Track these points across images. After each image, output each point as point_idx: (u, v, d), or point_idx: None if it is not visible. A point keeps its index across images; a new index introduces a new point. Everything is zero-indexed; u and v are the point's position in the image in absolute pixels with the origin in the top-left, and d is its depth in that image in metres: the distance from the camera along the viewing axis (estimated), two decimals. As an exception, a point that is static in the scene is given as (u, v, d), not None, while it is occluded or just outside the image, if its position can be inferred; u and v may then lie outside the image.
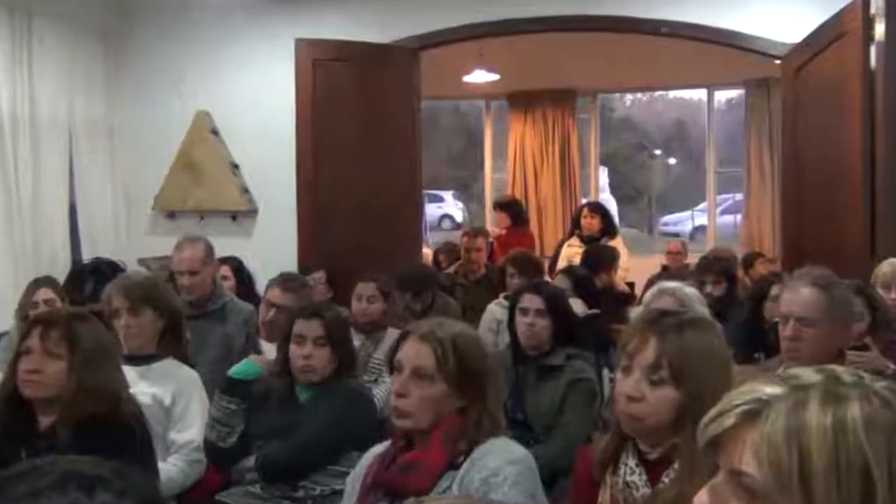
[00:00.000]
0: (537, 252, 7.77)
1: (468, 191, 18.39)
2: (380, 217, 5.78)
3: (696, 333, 1.86)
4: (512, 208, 7.64)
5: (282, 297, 3.83)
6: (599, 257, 5.85)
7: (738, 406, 1.01)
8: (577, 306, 4.53)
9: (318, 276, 5.23)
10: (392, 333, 4.27)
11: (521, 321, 3.60)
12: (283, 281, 3.93)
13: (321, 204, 5.79)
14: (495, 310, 4.87)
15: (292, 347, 3.01)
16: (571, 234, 7.02)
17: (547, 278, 5.37)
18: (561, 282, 4.91)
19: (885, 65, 4.39)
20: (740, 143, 10.04)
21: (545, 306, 3.57)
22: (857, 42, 4.54)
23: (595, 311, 4.74)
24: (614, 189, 16.71)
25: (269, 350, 3.59)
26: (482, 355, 2.11)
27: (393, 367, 2.11)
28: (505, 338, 3.94)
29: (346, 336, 3.09)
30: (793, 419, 0.97)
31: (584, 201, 9.13)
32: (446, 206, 18.67)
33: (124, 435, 2.42)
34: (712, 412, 1.03)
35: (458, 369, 2.04)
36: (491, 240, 6.87)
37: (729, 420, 1.01)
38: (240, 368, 3.06)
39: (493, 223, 7.80)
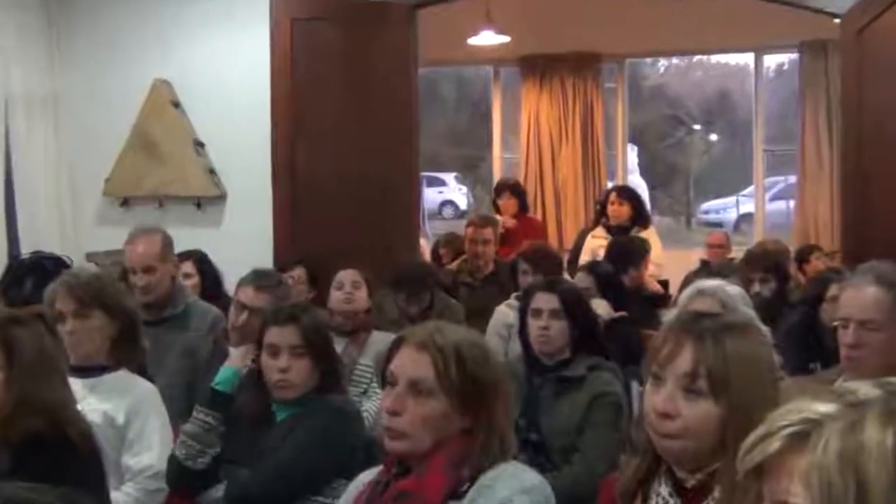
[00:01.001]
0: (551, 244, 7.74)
1: (474, 173, 18.37)
2: (370, 204, 5.78)
3: (738, 339, 1.86)
4: (521, 191, 7.61)
5: (255, 298, 3.84)
6: (628, 251, 5.86)
7: (784, 428, 1.01)
8: (602, 308, 4.54)
9: (298, 273, 5.24)
10: (379, 337, 4.31)
11: (534, 324, 3.61)
12: (257, 279, 3.93)
13: (301, 189, 5.79)
14: (506, 312, 4.87)
15: (265, 359, 3.01)
16: (595, 224, 7.04)
17: (566, 276, 5.37)
18: (582, 279, 4.92)
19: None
20: (793, 117, 10.03)
21: (561, 307, 3.59)
22: (930, -3, 4.53)
23: (622, 313, 4.75)
24: (645, 171, 16.71)
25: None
26: (490, 365, 2.12)
27: (385, 379, 2.12)
28: (517, 345, 3.95)
29: (328, 343, 3.10)
30: (848, 442, 0.98)
31: (610, 185, 9.12)
32: (448, 191, 18.66)
33: (71, 458, 2.42)
34: (755, 435, 1.03)
35: (462, 382, 2.05)
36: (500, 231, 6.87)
37: (774, 444, 1.01)
38: (222, 377, 3.08)
39: (498, 211, 7.67)
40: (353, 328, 4.37)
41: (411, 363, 2.07)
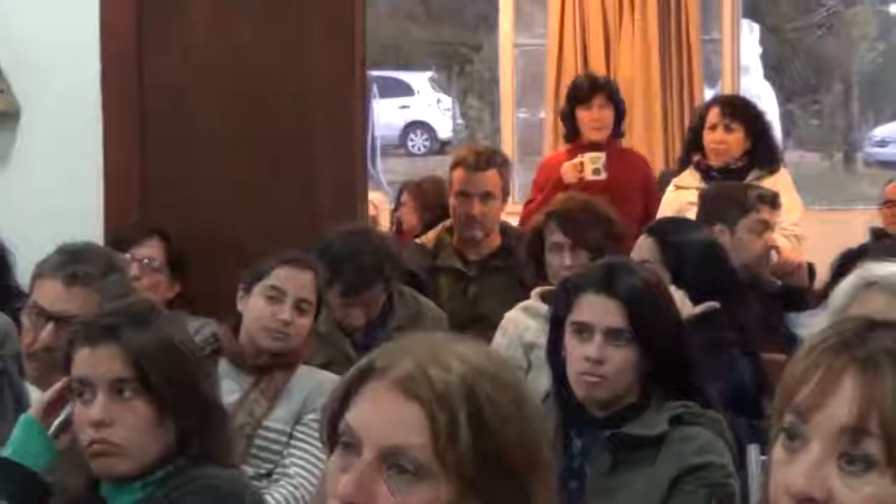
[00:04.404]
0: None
1: (463, 72, 18.45)
2: (279, 130, 5.76)
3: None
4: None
5: (64, 299, 3.85)
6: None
7: None
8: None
9: (148, 251, 5.23)
10: (305, 376, 4.38)
11: (576, 351, 3.63)
12: (68, 264, 3.93)
13: (155, 102, 5.77)
14: (522, 323, 4.90)
15: (76, 407, 3.06)
16: (684, 164, 7.10)
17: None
18: (644, 248, 4.90)
19: None
20: None
21: (627, 322, 3.58)
22: None
23: (712, 304, 4.74)
24: (773, 71, 16.80)
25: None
26: (524, 414, 2.07)
27: (335, 439, 2.07)
28: (543, 380, 3.96)
29: (189, 377, 3.11)
30: None
31: (709, 96, 9.14)
32: (417, 105, 18.73)
33: None
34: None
35: (478, 451, 2.00)
36: (598, 173, 6.72)
37: None
38: (20, 442, 3.16)
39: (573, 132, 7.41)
40: (268, 364, 4.41)
41: (389, 418, 2.03)
